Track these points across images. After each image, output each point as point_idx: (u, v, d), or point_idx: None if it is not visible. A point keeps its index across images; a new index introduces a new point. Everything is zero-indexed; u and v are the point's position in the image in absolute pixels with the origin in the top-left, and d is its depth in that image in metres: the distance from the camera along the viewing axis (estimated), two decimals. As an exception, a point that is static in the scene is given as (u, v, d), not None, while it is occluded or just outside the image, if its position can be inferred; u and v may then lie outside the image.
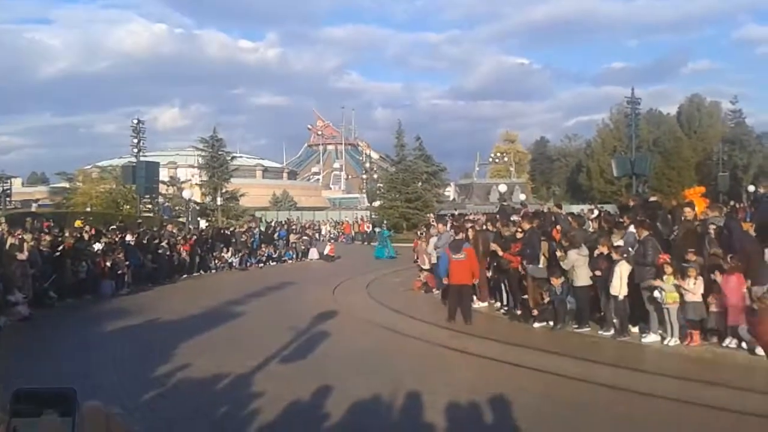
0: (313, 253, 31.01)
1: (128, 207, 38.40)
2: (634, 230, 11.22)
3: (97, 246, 18.57)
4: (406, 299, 16.90)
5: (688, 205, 10.98)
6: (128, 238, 20.90)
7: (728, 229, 10.18)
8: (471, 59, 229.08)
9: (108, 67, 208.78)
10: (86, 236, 19.10)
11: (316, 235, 43.31)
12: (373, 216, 50.18)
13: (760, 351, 8.95)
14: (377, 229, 39.54)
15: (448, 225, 17.51)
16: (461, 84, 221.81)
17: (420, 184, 48.14)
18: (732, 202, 28.88)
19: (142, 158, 33.06)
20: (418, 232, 24.82)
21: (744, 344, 9.31)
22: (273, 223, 37.56)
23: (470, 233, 15.04)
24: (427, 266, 17.78)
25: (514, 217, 15.81)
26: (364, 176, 80.00)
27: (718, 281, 9.68)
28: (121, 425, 1.18)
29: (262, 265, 27.12)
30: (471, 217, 20.90)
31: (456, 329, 12.14)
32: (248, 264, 26.53)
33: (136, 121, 34.80)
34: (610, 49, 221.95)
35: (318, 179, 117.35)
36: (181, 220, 34.15)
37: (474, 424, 6.68)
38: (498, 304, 14.23)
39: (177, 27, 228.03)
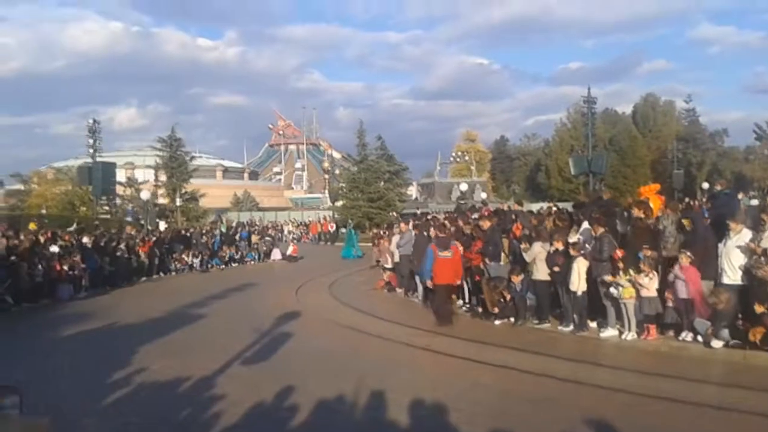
0: (276, 254, 30.83)
1: (85, 209, 37.63)
2: (589, 227, 11.44)
3: (54, 249, 18.19)
4: (369, 299, 16.94)
5: (639, 204, 11.23)
6: (85, 240, 20.52)
7: (693, 224, 10.41)
8: (432, 59, 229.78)
9: (63, 66, 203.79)
10: (42, 239, 18.69)
11: (279, 236, 43.10)
12: (336, 216, 50.08)
13: (714, 344, 9.19)
14: (343, 230, 39.45)
15: (410, 224, 17.61)
16: (422, 84, 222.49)
17: (382, 183, 48.20)
18: (687, 199, 29.60)
19: (98, 159, 32.33)
20: (381, 231, 24.86)
21: (699, 337, 9.56)
22: (234, 224, 37.22)
23: (432, 232, 15.13)
24: (390, 265, 17.84)
25: (475, 216, 15.93)
26: (326, 176, 79.97)
27: (675, 275, 9.90)
28: None
29: (223, 266, 26.87)
30: (433, 216, 21.00)
31: (420, 328, 12.21)
32: (209, 266, 26.26)
33: (92, 121, 34.06)
34: (567, 49, 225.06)
35: (280, 179, 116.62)
36: (140, 221, 33.59)
37: (437, 421, 6.72)
38: (460, 301, 14.34)
39: (134, 25, 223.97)
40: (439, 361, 10.01)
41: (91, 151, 33.05)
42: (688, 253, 9.86)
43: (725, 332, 9.23)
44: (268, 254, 30.90)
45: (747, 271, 9.38)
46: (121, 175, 42.77)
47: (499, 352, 10.09)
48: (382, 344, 11.27)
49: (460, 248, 12.90)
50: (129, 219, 30.19)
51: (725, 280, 9.55)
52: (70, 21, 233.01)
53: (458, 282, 12.88)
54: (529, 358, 9.64)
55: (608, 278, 10.47)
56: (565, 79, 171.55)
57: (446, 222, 16.17)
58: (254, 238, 32.32)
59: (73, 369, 9.65)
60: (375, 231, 25.46)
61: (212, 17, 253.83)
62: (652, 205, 11.59)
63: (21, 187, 50.68)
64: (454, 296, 13.64)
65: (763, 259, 9.09)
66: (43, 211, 37.36)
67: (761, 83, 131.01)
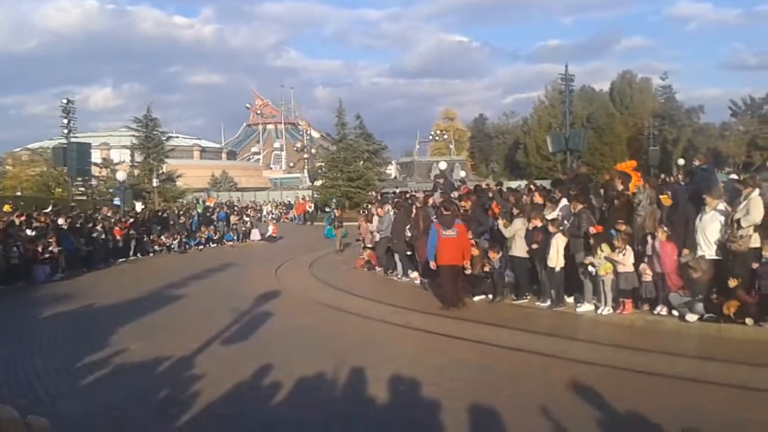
0: (255, 234, 30.72)
1: (60, 190, 37.19)
2: (568, 203, 11.52)
3: (29, 232, 17.97)
4: (348, 277, 16.96)
5: (620, 175, 11.28)
6: (60, 221, 20.27)
7: (674, 198, 10.51)
8: (411, 37, 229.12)
9: (37, 46, 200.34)
10: (17, 221, 18.44)
11: (258, 216, 42.91)
12: (315, 195, 49.92)
13: (689, 317, 9.35)
14: (327, 209, 39.26)
15: (388, 206, 17.50)
16: (401, 62, 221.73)
17: (361, 162, 48.06)
18: (663, 176, 29.90)
19: (73, 140, 31.94)
20: (362, 211, 24.91)
21: (675, 311, 9.71)
22: (213, 205, 36.98)
23: (413, 210, 15.14)
24: (370, 244, 17.86)
25: (454, 194, 15.96)
26: (304, 155, 79.47)
27: (651, 248, 10.03)
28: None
29: (201, 247, 26.71)
30: (411, 195, 21.02)
31: (399, 305, 12.27)
32: (187, 246, 26.09)
33: (66, 101, 33.58)
34: (546, 26, 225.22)
35: (258, 159, 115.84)
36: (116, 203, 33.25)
37: (416, 396, 6.78)
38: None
39: (109, 3, 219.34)
40: (418, 337, 10.07)
41: (66, 131, 32.67)
42: (665, 228, 9.97)
43: (700, 306, 9.38)
44: (247, 234, 30.77)
45: (722, 245, 9.52)
46: (96, 156, 42.35)
47: (478, 328, 10.17)
48: (362, 322, 11.31)
49: (423, 224, 12.65)
50: (116, 202, 29.73)
51: (701, 254, 9.68)
52: (43, 0, 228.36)
53: (465, 263, 11.94)
54: (507, 333, 9.74)
55: (585, 260, 10.58)
56: (543, 57, 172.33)
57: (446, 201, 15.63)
58: (233, 219, 32.13)
59: (50, 350, 9.57)
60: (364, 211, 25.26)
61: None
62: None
63: (-5, 169, 49.94)
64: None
65: (739, 232, 9.22)
66: (19, 193, 36.85)
67: (737, 60, 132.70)
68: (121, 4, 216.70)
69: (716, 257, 9.63)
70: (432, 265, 11.93)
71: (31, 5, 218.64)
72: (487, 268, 12.22)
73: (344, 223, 25.87)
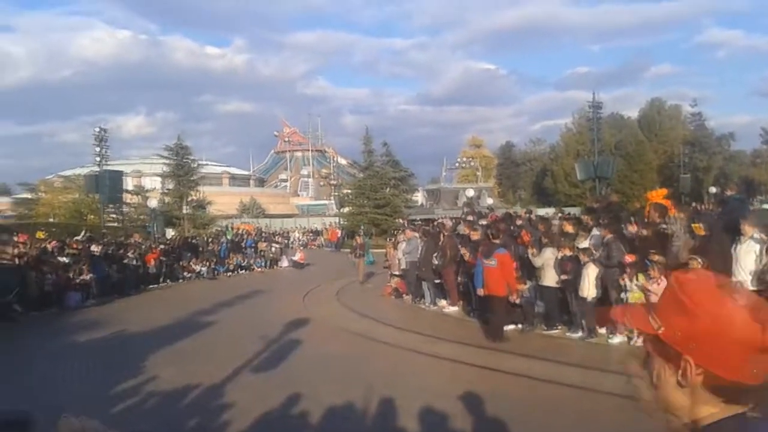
0: (283, 261, 30.90)
1: (93, 217, 37.78)
2: (599, 232, 11.41)
3: (63, 259, 18.28)
4: (376, 305, 16.91)
5: (656, 207, 11.15)
6: (94, 248, 20.58)
7: (708, 228, 10.35)
8: (438, 65, 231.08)
9: (72, 74, 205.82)
10: (50, 248, 18.76)
11: (286, 242, 43.17)
12: (342, 222, 50.06)
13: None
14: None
15: (414, 231, 17.54)
16: (428, 90, 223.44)
17: (388, 189, 48.16)
18: (694, 204, 29.48)
19: (105, 167, 32.48)
20: (389, 239, 24.80)
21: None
22: (241, 231, 37.31)
23: (441, 238, 15.12)
24: (397, 272, 17.82)
25: (482, 221, 15.90)
26: (331, 182, 79.86)
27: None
28: None
29: (230, 273, 26.90)
30: (440, 222, 20.98)
31: (428, 334, 12.19)
32: (217, 273, 26.29)
33: (99, 130, 34.25)
34: (574, 53, 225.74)
35: (286, 186, 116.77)
36: (148, 229, 33.69)
37: (446, 429, 6.71)
38: (469, 307, 14.29)
39: (142, 33, 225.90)
40: (447, 367, 9.98)
41: (99, 159, 33.25)
42: (699, 259, 9.80)
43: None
44: (275, 261, 30.95)
45: (757, 276, 9.33)
46: (129, 183, 43.06)
47: (508, 358, 10.05)
48: (391, 351, 11.24)
49: (451, 252, 12.48)
50: (153, 228, 30.09)
51: (737, 286, 9.47)
52: (78, 30, 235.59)
53: (507, 294, 11.42)
54: (538, 364, 9.61)
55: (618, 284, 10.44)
56: (572, 84, 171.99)
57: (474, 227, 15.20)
58: (261, 245, 32.37)
59: (81, 377, 9.67)
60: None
61: (220, 25, 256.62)
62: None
63: (29, 195, 50.96)
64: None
65: (772, 263, 9.04)
66: (51, 220, 37.52)
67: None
68: (153, 35, 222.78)
69: (753, 288, 9.43)
70: (480, 292, 11.82)
71: (67, 35, 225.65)
72: (515, 298, 12.11)
73: (371, 250, 25.75)
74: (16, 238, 17.89)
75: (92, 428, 1.15)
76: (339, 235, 46.74)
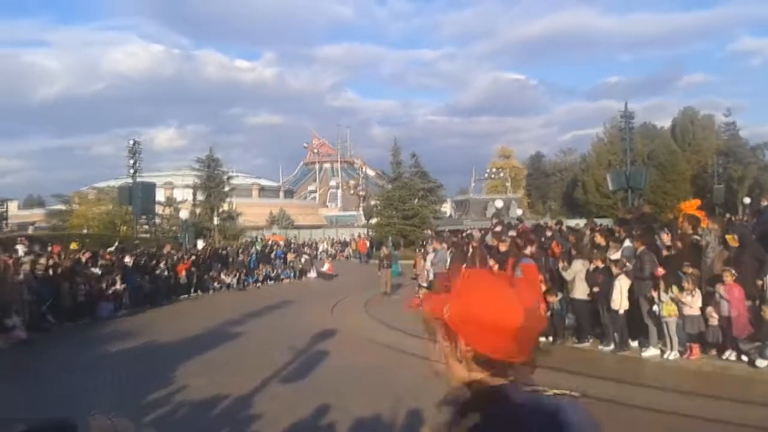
0: (312, 272, 31.03)
1: (125, 228, 38.35)
2: (631, 244, 11.26)
3: (95, 270, 18.57)
4: (404, 316, 16.83)
5: (689, 218, 10.98)
6: (126, 259, 20.86)
7: (741, 240, 10.18)
8: (466, 76, 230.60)
9: (105, 88, 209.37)
10: (83, 258, 19.07)
11: (314, 253, 43.33)
12: (370, 233, 50.11)
13: (759, 363, 8.95)
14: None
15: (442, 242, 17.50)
16: (457, 100, 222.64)
17: (417, 200, 48.10)
18: (728, 215, 28.95)
19: (138, 179, 33.01)
20: (418, 249, 24.71)
21: (744, 356, 9.31)
22: (271, 242, 37.58)
23: (469, 249, 15.04)
24: (425, 283, 17.76)
25: (511, 233, 15.78)
26: (359, 192, 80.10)
27: (719, 293, 9.67)
28: None
29: (260, 284, 27.08)
30: (468, 233, 20.89)
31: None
32: (246, 284, 26.48)
33: (132, 142, 34.85)
34: (605, 63, 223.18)
35: (315, 197, 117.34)
36: (179, 240, 34.10)
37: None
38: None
39: (174, 48, 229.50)
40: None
41: (132, 171, 33.81)
42: (733, 271, 9.62)
43: (771, 351, 8.98)
44: (304, 272, 31.10)
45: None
46: (160, 195, 43.64)
47: (539, 372, 9.89)
48: (418, 362, 11.14)
49: (480, 264, 12.34)
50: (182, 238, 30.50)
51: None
52: (112, 44, 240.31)
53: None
54: (570, 378, 9.48)
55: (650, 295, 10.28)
56: (602, 94, 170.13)
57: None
58: (290, 256, 32.56)
59: (112, 386, 9.78)
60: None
61: (250, 39, 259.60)
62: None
63: (63, 207, 51.88)
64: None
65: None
66: (85, 231, 38.15)
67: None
68: (186, 49, 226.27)
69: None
70: None
71: (100, 49, 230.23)
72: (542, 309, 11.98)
73: (399, 261, 25.61)
74: (50, 249, 18.24)
75: (123, 425, 1.17)
76: (366, 246, 46.68)
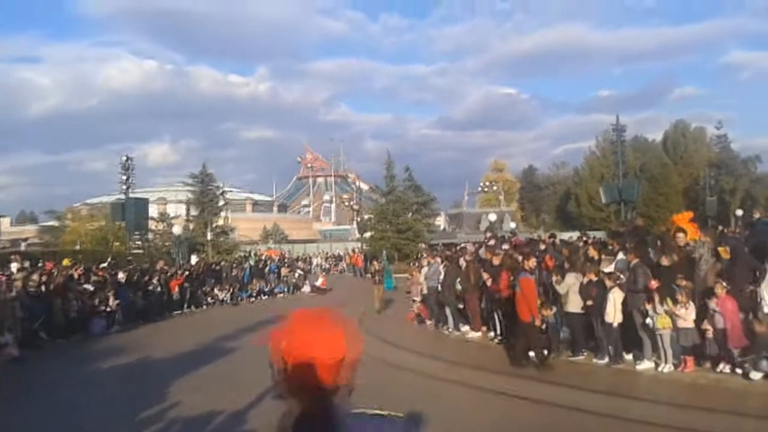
0: (306, 286, 30.97)
1: (118, 244, 38.21)
2: (624, 257, 11.29)
3: (88, 287, 18.48)
4: (398, 331, 16.83)
5: (681, 230, 11.03)
6: (120, 275, 20.78)
7: (733, 252, 10.22)
8: (459, 90, 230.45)
9: (98, 104, 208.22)
10: (76, 275, 18.98)
11: (308, 268, 43.25)
12: (364, 247, 50.06)
13: (753, 375, 8.96)
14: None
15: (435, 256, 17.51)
16: (450, 114, 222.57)
17: (410, 214, 48.10)
18: (720, 227, 29.06)
19: (131, 195, 32.99)
20: (412, 263, 24.68)
21: (738, 369, 9.32)
22: (264, 257, 37.49)
23: (463, 263, 15.05)
24: (419, 297, 17.75)
25: (505, 246, 15.81)
26: (353, 206, 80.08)
27: (711, 306, 9.70)
28: None
29: (253, 299, 26.99)
30: (462, 247, 20.91)
31: (451, 360, 12.09)
32: (239, 299, 26.39)
33: (125, 158, 34.83)
34: (597, 77, 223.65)
35: (308, 212, 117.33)
36: (172, 256, 34.00)
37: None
38: (492, 333, 14.18)
39: (167, 63, 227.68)
40: (471, 395, 9.88)
41: (125, 187, 33.78)
42: (724, 283, 9.66)
43: (765, 363, 8.99)
44: (298, 286, 31.03)
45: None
46: (153, 211, 43.61)
47: (533, 385, 9.93)
48: (413, 378, 11.16)
49: (474, 277, 12.32)
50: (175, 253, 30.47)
51: (766, 309, 9.32)
52: (104, 60, 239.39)
53: (530, 320, 10.98)
54: (564, 391, 9.47)
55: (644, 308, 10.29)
56: (594, 107, 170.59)
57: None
58: (284, 271, 32.49)
59: (106, 403, 9.72)
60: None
61: (243, 54, 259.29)
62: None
63: (55, 223, 51.68)
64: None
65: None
66: (77, 247, 37.99)
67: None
68: (179, 65, 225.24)
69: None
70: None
71: (93, 66, 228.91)
72: (538, 323, 11.96)
73: (393, 275, 25.51)
74: (42, 265, 18.15)
75: None
76: (361, 260, 46.61)
